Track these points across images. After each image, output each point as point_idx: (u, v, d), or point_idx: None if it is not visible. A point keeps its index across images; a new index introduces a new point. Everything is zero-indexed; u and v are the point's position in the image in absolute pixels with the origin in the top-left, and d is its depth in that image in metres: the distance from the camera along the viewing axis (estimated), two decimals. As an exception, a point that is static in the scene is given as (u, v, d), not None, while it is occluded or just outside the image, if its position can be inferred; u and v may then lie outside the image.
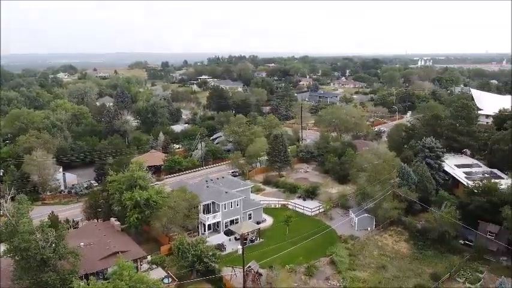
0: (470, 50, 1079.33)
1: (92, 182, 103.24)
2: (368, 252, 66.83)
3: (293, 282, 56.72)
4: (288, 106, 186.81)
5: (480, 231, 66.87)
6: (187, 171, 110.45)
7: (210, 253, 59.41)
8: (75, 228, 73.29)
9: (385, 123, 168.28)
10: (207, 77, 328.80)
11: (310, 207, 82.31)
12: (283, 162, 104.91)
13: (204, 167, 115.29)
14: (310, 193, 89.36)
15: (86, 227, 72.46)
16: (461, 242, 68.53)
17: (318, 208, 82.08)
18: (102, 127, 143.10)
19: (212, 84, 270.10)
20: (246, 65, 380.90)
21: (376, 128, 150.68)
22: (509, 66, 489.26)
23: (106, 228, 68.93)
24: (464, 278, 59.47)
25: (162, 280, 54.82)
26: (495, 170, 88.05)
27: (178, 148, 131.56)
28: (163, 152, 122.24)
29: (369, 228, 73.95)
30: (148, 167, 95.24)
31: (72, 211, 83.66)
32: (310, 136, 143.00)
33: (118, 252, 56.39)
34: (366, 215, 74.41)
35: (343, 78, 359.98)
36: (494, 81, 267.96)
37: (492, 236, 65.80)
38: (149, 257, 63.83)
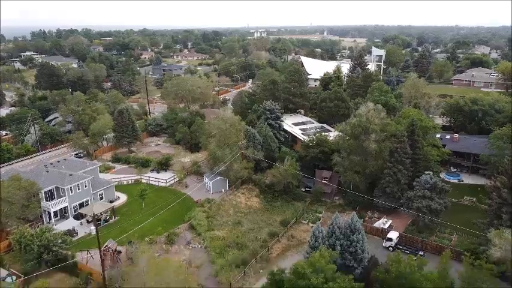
0: (297, 23, 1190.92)
1: None
2: (224, 211, 70.38)
3: (154, 252, 56.27)
4: (132, 81, 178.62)
5: (317, 178, 76.90)
6: (20, 159, 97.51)
7: (59, 240, 54.88)
8: None
9: (229, 91, 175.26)
10: (32, 53, 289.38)
11: (164, 178, 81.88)
12: (132, 138, 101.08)
13: (41, 152, 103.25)
14: (163, 165, 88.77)
15: None
16: (303, 189, 77.62)
17: (172, 178, 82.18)
18: None
19: (40, 61, 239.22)
20: (79, 39, 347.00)
21: (222, 97, 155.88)
22: (329, 36, 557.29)
23: None
24: (307, 220, 67.91)
25: (3, 279, 48.44)
26: (324, 125, 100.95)
27: (6, 135, 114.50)
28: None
29: (223, 190, 77.54)
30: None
31: None
32: (158, 109, 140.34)
33: None
34: (219, 178, 77.65)
35: (186, 50, 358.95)
36: (318, 50, 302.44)
37: (326, 180, 76.29)
38: (-17, 259, 55.39)
